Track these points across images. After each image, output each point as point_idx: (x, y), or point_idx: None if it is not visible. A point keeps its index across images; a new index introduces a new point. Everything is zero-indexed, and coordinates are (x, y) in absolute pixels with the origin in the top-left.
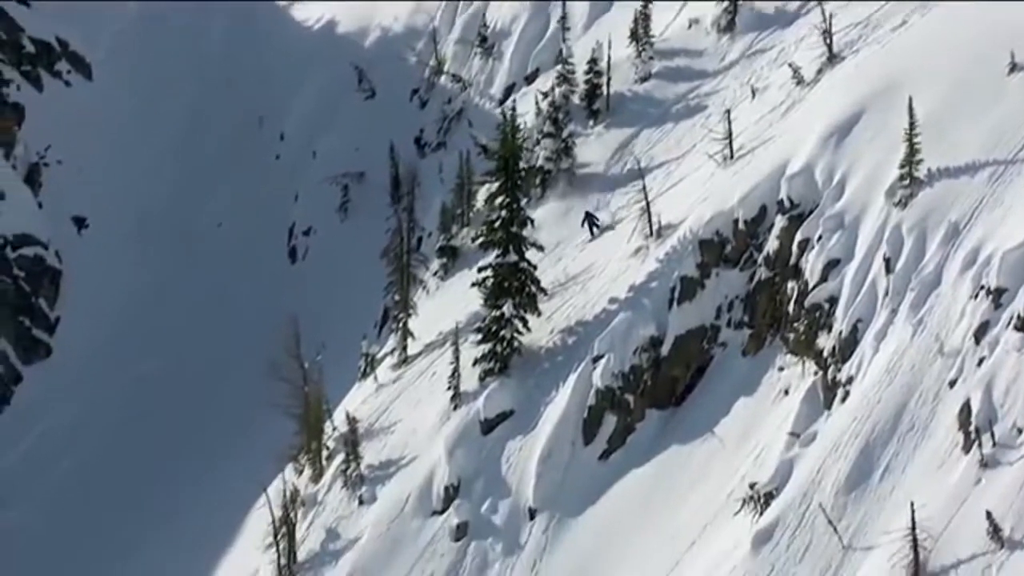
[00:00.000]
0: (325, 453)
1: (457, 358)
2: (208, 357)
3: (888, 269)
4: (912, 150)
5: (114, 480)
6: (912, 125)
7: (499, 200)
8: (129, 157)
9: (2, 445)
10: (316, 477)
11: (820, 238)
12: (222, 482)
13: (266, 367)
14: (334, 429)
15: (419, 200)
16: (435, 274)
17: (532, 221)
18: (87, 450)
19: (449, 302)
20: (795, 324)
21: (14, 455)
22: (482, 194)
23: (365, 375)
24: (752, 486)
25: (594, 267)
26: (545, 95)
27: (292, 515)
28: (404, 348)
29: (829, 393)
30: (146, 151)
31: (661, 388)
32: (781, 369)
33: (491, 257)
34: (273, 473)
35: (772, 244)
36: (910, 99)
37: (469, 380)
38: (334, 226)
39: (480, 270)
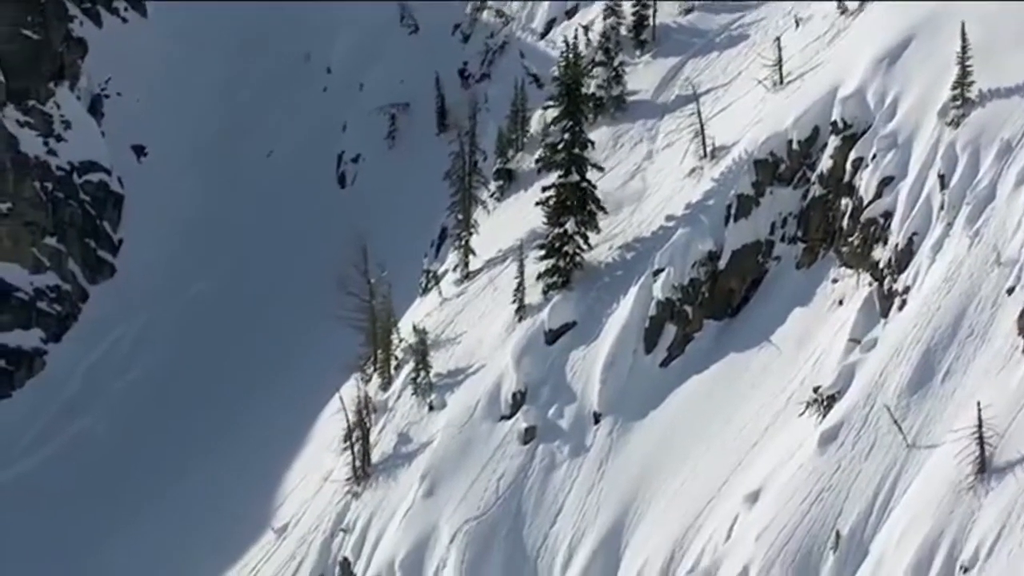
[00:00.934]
0: (393, 363)
1: (522, 273)
2: (263, 275)
3: (943, 185)
4: (964, 72)
5: (181, 390)
6: (964, 48)
7: (561, 123)
8: (182, 90)
9: (72, 358)
10: (385, 386)
11: (874, 157)
12: (287, 392)
13: (324, 283)
14: (400, 340)
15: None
16: (492, 195)
17: (592, 143)
18: (152, 362)
19: (506, 222)
20: (849, 238)
21: (83, 367)
22: (535, 120)
23: (427, 290)
24: (816, 389)
25: (648, 188)
26: (586, 28)
27: (366, 420)
28: (466, 264)
29: (885, 302)
30: (198, 85)
31: (718, 300)
32: (835, 281)
33: (553, 177)
34: (337, 383)
35: (825, 163)
36: (963, 24)
37: (532, 293)
38: (382, 153)
39: (544, 189)
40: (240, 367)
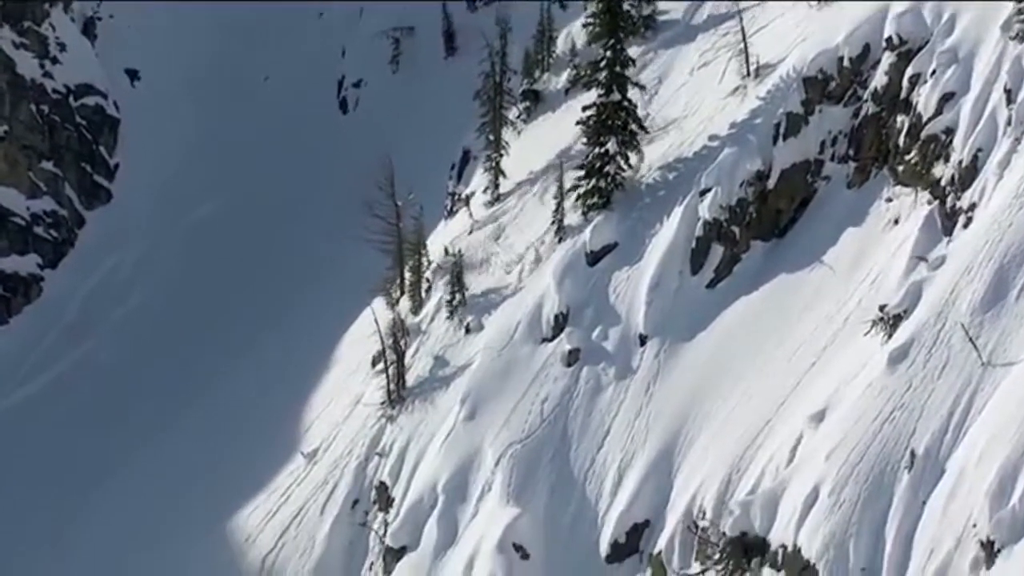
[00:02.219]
0: (424, 285)
1: (562, 193)
2: (266, 200)
3: (1009, 100)
4: None
5: (186, 316)
6: None
7: (602, 41)
8: (175, 14)
9: (70, 284)
10: (416, 309)
11: (933, 73)
12: (301, 317)
13: (332, 207)
14: (430, 263)
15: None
16: (518, 117)
17: (633, 61)
18: (153, 288)
19: (534, 144)
20: (906, 156)
21: (82, 293)
22: (561, 40)
23: (452, 213)
24: (882, 308)
25: (687, 107)
26: None
27: (400, 342)
28: (496, 186)
29: (948, 220)
30: (191, 8)
31: (766, 220)
32: (889, 200)
33: (585, 97)
34: (357, 306)
35: (880, 80)
36: None
37: (571, 214)
38: (385, 78)
39: (584, 108)
40: (248, 293)
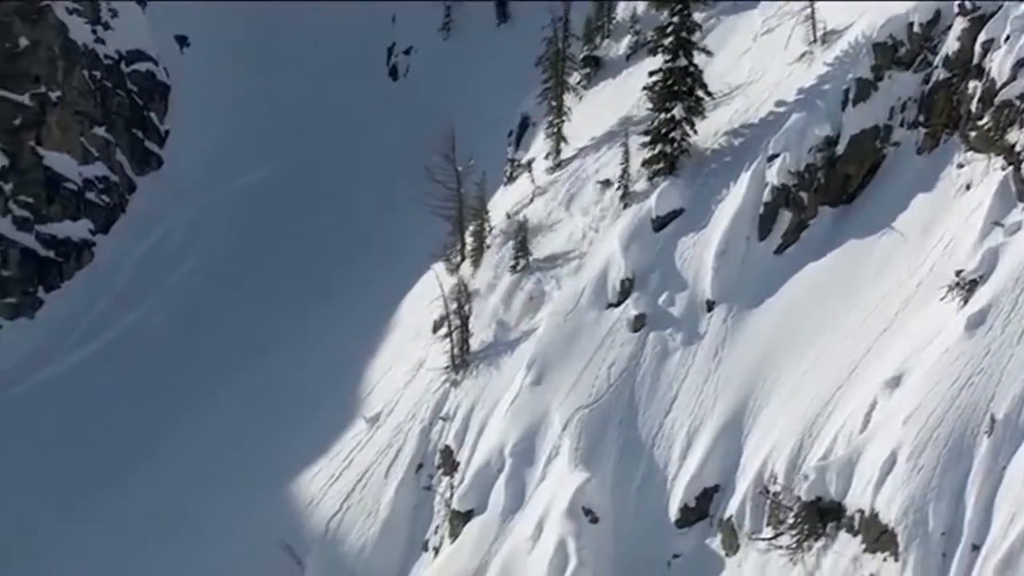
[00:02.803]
0: (487, 251)
1: (627, 158)
2: (317, 166)
3: None
4: None
5: (239, 282)
6: None
7: (669, 6)
8: None
9: (122, 249)
10: (478, 274)
11: (1007, 38)
12: (357, 282)
13: (385, 173)
14: (491, 228)
15: (538, 17)
16: (578, 83)
17: (699, 26)
18: (205, 254)
19: (595, 110)
20: (979, 122)
21: (134, 258)
22: (622, 7)
23: (511, 179)
24: (958, 273)
25: (751, 73)
26: None
27: (465, 307)
28: (558, 152)
29: (1023, 186)
30: None
31: (834, 186)
32: (960, 166)
33: (648, 63)
34: (414, 272)
35: (951, 46)
36: None
37: (636, 180)
38: (436, 45)
39: (651, 74)
40: (301, 259)
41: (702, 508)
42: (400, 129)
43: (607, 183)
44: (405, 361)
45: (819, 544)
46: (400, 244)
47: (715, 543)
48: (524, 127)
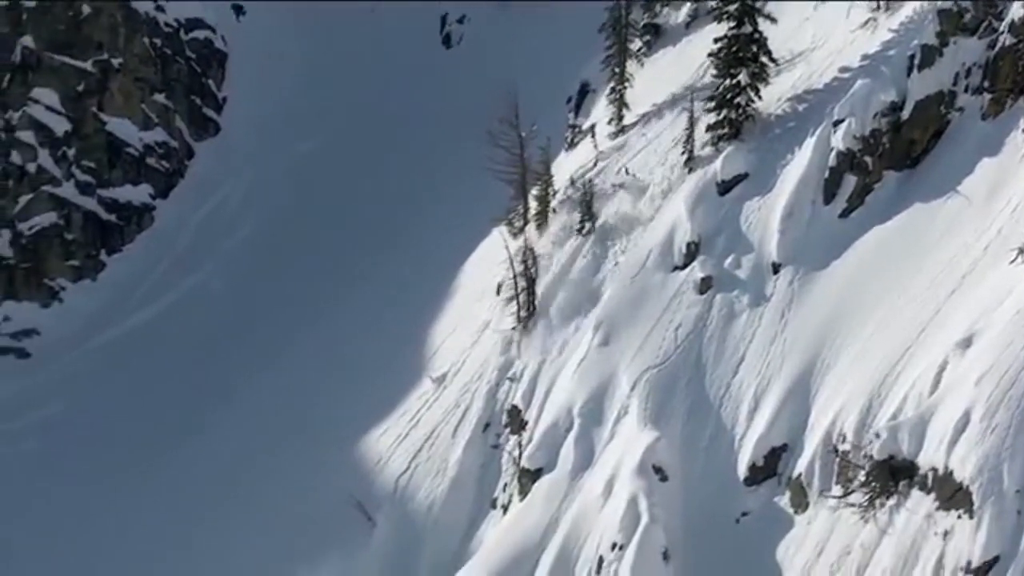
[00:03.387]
0: (551, 215)
1: (692, 124)
2: (374, 132)
3: None
4: None
5: (299, 246)
6: None
7: None
8: None
9: (181, 214)
10: (542, 237)
11: None
12: (416, 245)
13: (441, 139)
14: (554, 193)
15: None
16: (639, 51)
17: None
18: (263, 219)
19: (656, 77)
20: None
21: (193, 223)
22: None
23: (572, 145)
24: None
25: (814, 40)
26: None
27: (531, 269)
28: (620, 118)
29: None
30: None
31: (898, 151)
32: None
33: (711, 29)
34: (474, 236)
35: (1016, 12)
36: None
37: (700, 145)
38: (488, 14)
39: (715, 40)
40: (357, 223)
41: (770, 467)
42: (455, 96)
43: (673, 148)
44: (470, 322)
45: (891, 502)
46: (460, 208)
47: (783, 501)
48: (583, 94)
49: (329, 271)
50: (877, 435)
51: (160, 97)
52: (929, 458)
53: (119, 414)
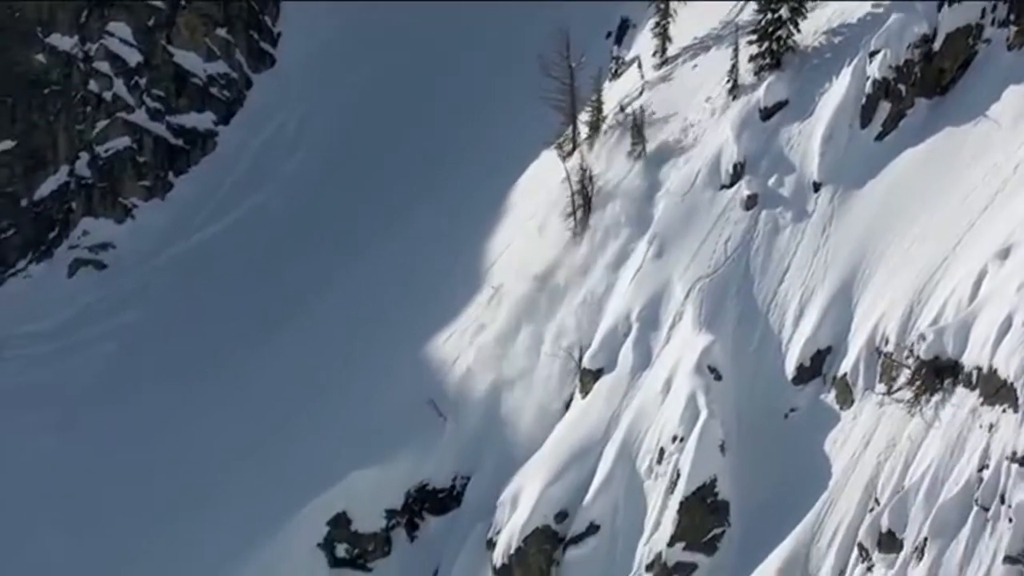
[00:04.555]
0: (601, 139)
1: (736, 54)
2: (419, 65)
3: None
4: None
5: (353, 168)
6: None
7: None
8: None
9: (241, 139)
10: (594, 161)
11: None
12: (470, 167)
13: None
14: (604, 118)
15: None
16: None
17: None
18: (318, 145)
19: (693, 13)
20: None
21: (253, 148)
22: None
23: (616, 76)
24: None
25: None
26: None
27: (587, 188)
28: (663, 51)
29: None
30: None
31: (929, 79)
32: None
33: None
34: (523, 160)
35: None
36: None
37: (743, 75)
38: None
39: None
40: (411, 148)
41: (816, 367)
42: (506, 28)
43: (718, 78)
44: (525, 237)
45: (936, 398)
46: (510, 133)
47: (829, 398)
48: (624, 29)
49: (383, 191)
50: (923, 337)
51: (222, 32)
52: (973, 358)
53: (190, 321)
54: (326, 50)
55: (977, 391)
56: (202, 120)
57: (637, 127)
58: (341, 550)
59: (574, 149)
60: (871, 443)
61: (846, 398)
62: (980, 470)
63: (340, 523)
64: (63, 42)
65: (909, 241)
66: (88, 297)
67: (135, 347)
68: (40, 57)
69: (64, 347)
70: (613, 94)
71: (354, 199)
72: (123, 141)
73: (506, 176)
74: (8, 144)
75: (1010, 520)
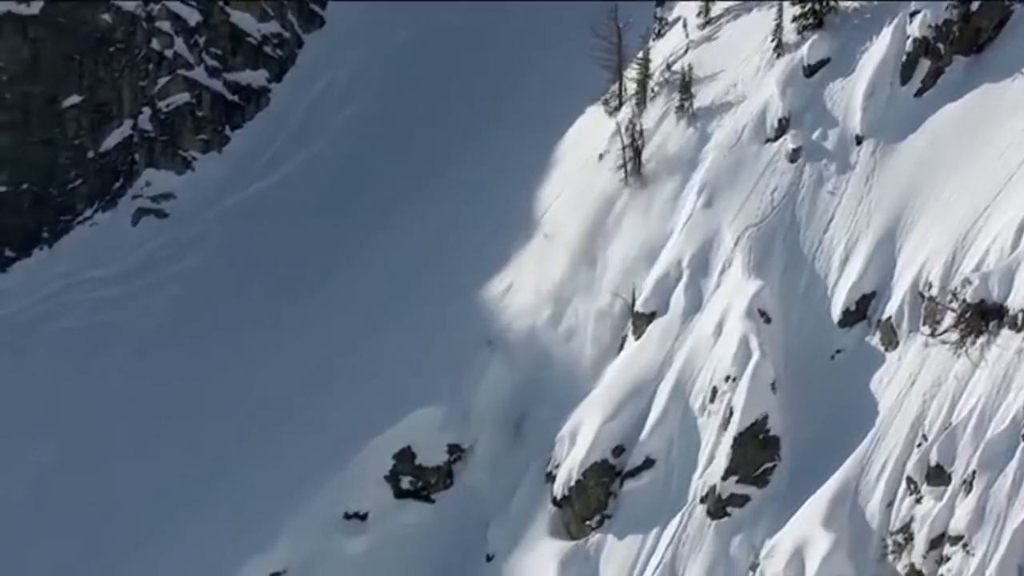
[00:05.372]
0: (649, 96)
1: (781, 14)
2: (464, 24)
3: None
4: None
5: (402, 121)
6: None
7: None
8: None
9: (293, 95)
10: (642, 116)
11: None
12: (518, 119)
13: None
14: (651, 75)
15: None
16: None
17: None
18: (367, 99)
19: None
20: None
21: (304, 103)
22: None
23: (659, 35)
24: None
25: None
26: None
27: (638, 141)
28: (707, 11)
29: None
30: None
31: (967, 38)
32: None
33: None
34: (565, 116)
35: None
36: None
37: (787, 34)
38: None
39: None
40: (458, 103)
41: (861, 311)
42: None
43: (762, 37)
44: (575, 187)
45: (982, 339)
46: (554, 90)
47: (875, 340)
48: None
49: (431, 144)
50: (968, 282)
51: None
52: (1019, 301)
53: (248, 267)
54: (372, 12)
55: (1023, 333)
56: (256, 77)
57: (685, 84)
58: (405, 482)
59: (620, 105)
60: (916, 382)
61: (891, 340)
62: None
63: (405, 457)
64: (127, 3)
65: (950, 191)
66: (151, 244)
67: (196, 292)
68: (106, 16)
69: (129, 291)
70: (657, 53)
71: (402, 151)
72: (183, 97)
73: (552, 130)
74: (76, 99)
75: None
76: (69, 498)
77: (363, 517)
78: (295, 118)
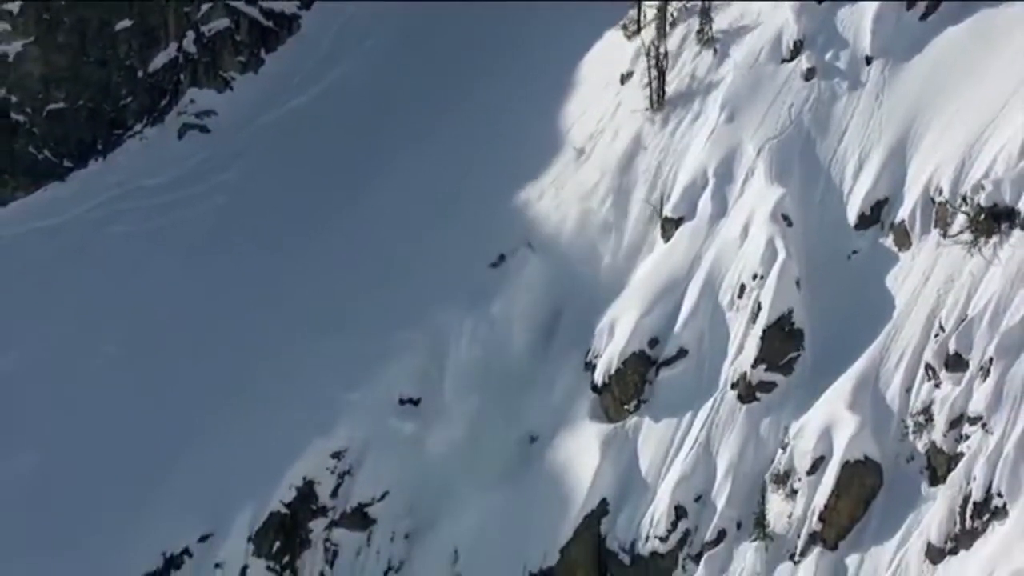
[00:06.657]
0: (669, 20)
1: None
2: None
3: None
4: None
5: (424, 47)
6: None
7: None
8: None
9: (321, 23)
10: (663, 39)
11: None
12: (538, 39)
13: None
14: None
15: None
16: None
17: None
18: (391, 28)
19: None
20: None
21: (332, 30)
22: None
23: None
24: None
25: None
26: None
27: (662, 60)
28: None
29: None
30: None
31: None
32: None
33: None
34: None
35: None
36: None
37: None
38: None
39: None
40: (481, 29)
41: (875, 215)
42: None
43: None
44: (600, 105)
45: (994, 239)
46: (574, 15)
47: (888, 241)
48: None
49: (460, 64)
50: (981, 187)
51: None
52: None
53: (285, 180)
54: None
55: None
56: (288, 6)
57: (704, 9)
58: None
59: (640, 30)
60: (930, 279)
61: (904, 241)
62: None
63: None
64: None
65: (957, 105)
66: (195, 158)
67: (240, 201)
68: None
69: (178, 199)
70: None
71: (429, 72)
72: (223, 22)
73: (573, 53)
74: (127, 23)
75: None
76: (135, 386)
77: (416, 403)
78: (325, 42)
